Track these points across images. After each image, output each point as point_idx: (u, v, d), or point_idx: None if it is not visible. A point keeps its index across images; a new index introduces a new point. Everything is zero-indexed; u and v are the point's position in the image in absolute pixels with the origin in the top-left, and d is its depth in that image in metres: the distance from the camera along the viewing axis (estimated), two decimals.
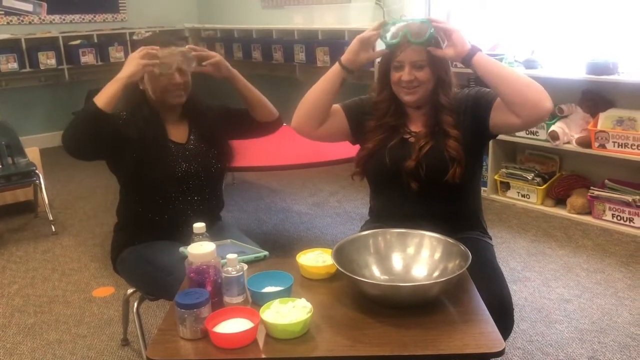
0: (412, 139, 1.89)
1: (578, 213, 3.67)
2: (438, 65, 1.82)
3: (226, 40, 6.02)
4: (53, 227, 3.72)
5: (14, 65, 5.47)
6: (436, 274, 1.57)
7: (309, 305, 1.41)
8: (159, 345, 1.38)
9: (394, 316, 1.43)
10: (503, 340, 1.35)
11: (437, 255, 1.61)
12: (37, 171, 3.74)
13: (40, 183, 3.76)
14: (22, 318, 2.71)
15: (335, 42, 4.91)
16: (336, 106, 1.99)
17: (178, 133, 2.11)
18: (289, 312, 1.40)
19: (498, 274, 1.80)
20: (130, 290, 2.24)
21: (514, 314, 1.79)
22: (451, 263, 1.56)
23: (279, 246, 3.38)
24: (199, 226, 1.61)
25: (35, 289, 2.99)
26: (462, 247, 1.55)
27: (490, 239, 2.00)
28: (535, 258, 3.15)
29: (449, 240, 1.61)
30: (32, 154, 3.94)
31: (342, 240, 1.63)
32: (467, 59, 1.76)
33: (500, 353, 1.31)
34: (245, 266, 1.63)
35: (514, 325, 2.43)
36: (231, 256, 1.54)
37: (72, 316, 2.71)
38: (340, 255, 1.56)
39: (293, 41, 5.30)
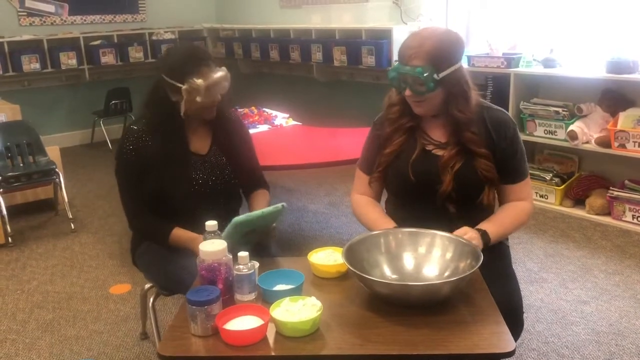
0: (436, 151, 1.82)
1: (597, 214, 3.62)
2: (446, 82, 1.72)
3: (244, 40, 6.05)
4: (72, 225, 3.78)
5: (36, 66, 5.57)
6: (447, 273, 1.56)
7: (318, 304, 1.42)
8: (170, 342, 1.40)
9: (404, 315, 1.43)
10: (514, 341, 1.34)
11: (449, 254, 1.60)
12: (57, 170, 3.81)
13: (60, 182, 3.82)
14: (41, 314, 2.76)
15: (352, 41, 4.91)
16: (369, 190, 1.97)
17: (200, 143, 2.08)
18: (299, 310, 1.40)
19: (510, 276, 1.78)
20: (147, 286, 2.27)
21: (529, 315, 1.77)
22: (462, 263, 1.55)
23: (294, 245, 3.39)
24: (211, 224, 1.62)
25: (54, 286, 3.04)
26: (474, 246, 1.54)
27: (507, 239, 1.98)
28: (552, 259, 3.11)
29: (460, 239, 1.60)
30: (53, 152, 4.00)
31: (353, 239, 1.63)
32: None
33: (511, 353, 1.30)
34: (257, 264, 1.64)
35: (530, 327, 2.43)
36: (242, 254, 1.55)
37: (90, 312, 2.75)
38: (350, 254, 1.56)
39: (310, 41, 5.31)
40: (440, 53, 1.70)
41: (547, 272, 2.97)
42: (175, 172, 1.99)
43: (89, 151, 6.00)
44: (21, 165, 3.83)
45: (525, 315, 1.84)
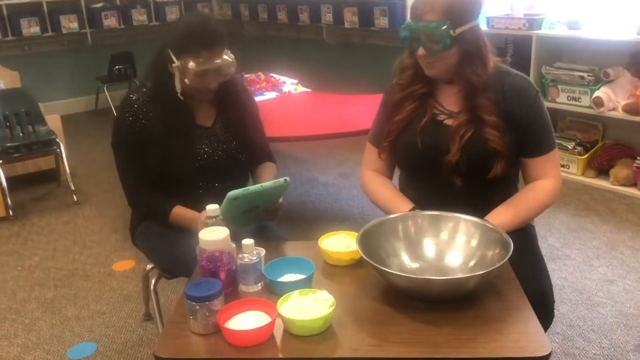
0: (447, 121, 1.66)
1: (622, 185, 3.44)
2: (462, 40, 1.57)
3: (251, 2, 5.82)
4: (75, 197, 3.67)
5: (35, 29, 5.39)
6: (472, 263, 1.41)
7: (330, 298, 1.28)
8: (168, 341, 1.27)
9: (425, 311, 1.29)
10: (549, 343, 1.20)
11: (475, 242, 1.45)
12: (57, 140, 3.67)
13: (61, 152, 3.68)
14: (41, 292, 2.66)
15: (364, 1, 4.67)
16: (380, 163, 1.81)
17: (205, 116, 1.91)
18: (308, 306, 1.27)
19: (539, 262, 1.64)
20: (149, 266, 2.15)
21: (554, 294, 1.63)
22: (490, 251, 1.40)
23: (303, 220, 3.25)
24: (212, 208, 1.48)
25: (55, 262, 2.94)
26: (504, 234, 1.39)
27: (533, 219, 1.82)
28: (575, 234, 2.96)
29: (487, 225, 1.45)
30: (53, 121, 3.86)
31: (368, 224, 1.48)
32: None
33: (546, 358, 1.16)
34: (263, 252, 1.51)
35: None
36: (247, 242, 1.41)
37: (92, 291, 2.65)
38: (365, 241, 1.41)
39: (320, 1, 5.08)
40: (457, 7, 1.55)
41: (570, 248, 2.82)
42: (178, 145, 1.84)
43: (92, 118, 5.85)
44: (20, 135, 3.70)
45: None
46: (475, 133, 1.61)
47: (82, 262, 2.92)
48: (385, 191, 1.78)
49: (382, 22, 4.51)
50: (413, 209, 1.64)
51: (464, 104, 1.64)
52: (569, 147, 3.64)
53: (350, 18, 4.77)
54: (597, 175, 3.61)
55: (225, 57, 1.78)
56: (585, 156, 3.61)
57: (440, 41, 1.54)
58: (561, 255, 2.75)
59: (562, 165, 3.69)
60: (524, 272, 1.47)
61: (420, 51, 1.58)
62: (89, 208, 3.58)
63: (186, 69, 1.73)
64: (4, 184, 3.48)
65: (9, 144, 3.56)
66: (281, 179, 1.65)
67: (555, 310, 2.03)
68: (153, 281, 2.08)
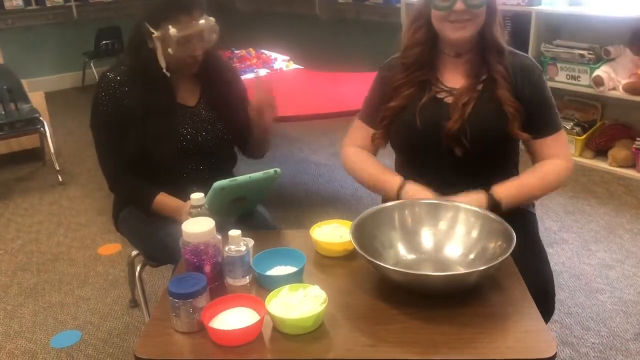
0: (448, 99, 1.58)
1: (620, 166, 3.38)
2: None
3: None
4: (60, 177, 3.57)
5: (19, 2, 5.22)
6: (472, 256, 1.34)
7: (322, 295, 1.20)
8: (150, 340, 1.19)
9: (423, 307, 1.22)
10: (555, 342, 1.13)
11: (475, 232, 1.37)
12: (40, 118, 3.55)
13: (45, 131, 3.57)
14: (24, 277, 2.58)
15: None
16: (370, 137, 1.71)
17: (188, 95, 1.81)
18: (299, 303, 1.19)
19: (541, 253, 1.57)
20: (134, 253, 2.08)
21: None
22: (492, 243, 1.33)
23: (296, 202, 3.16)
24: (197, 197, 1.39)
25: (39, 245, 2.85)
26: (506, 225, 1.31)
27: (533, 205, 1.75)
28: (573, 217, 2.90)
29: (489, 215, 1.37)
30: (37, 99, 3.74)
31: (363, 213, 1.39)
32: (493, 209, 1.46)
33: (551, 359, 1.09)
34: (251, 243, 1.43)
35: None
36: (234, 233, 1.32)
37: (76, 276, 2.57)
38: (360, 232, 1.33)
39: None
40: None
41: (568, 232, 2.76)
42: (159, 125, 1.73)
43: (79, 95, 5.70)
44: (2, 113, 3.56)
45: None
46: (481, 101, 1.54)
47: (66, 246, 2.83)
48: (371, 167, 1.69)
49: None
50: (403, 183, 1.57)
51: (472, 70, 1.57)
52: (567, 127, 3.56)
53: None
54: (595, 156, 3.54)
55: (205, 20, 1.68)
56: (584, 136, 3.54)
57: None
58: (558, 240, 2.69)
59: None
60: (525, 262, 1.40)
61: (459, 5, 1.48)
62: (74, 188, 3.48)
63: (167, 37, 1.63)
64: None
65: None
66: (271, 170, 1.56)
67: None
68: (138, 268, 2.00)
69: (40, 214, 3.18)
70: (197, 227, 1.27)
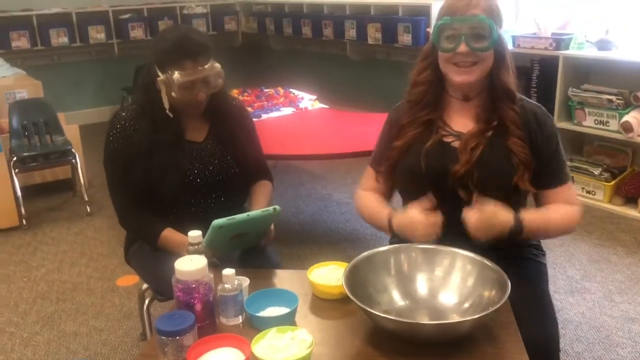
0: (455, 143, 1.55)
1: None
2: (500, 43, 1.52)
3: (276, 16, 5.79)
4: (88, 208, 3.66)
5: (64, 40, 5.46)
6: (467, 304, 1.31)
7: (309, 339, 1.20)
8: None
9: (414, 355, 1.20)
10: None
11: (471, 280, 1.35)
12: (73, 150, 3.68)
13: (76, 162, 3.69)
14: (43, 305, 2.64)
15: (388, 18, 4.60)
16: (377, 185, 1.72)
17: (196, 132, 1.85)
18: (285, 346, 1.19)
19: (548, 309, 1.50)
20: (145, 286, 2.10)
21: (567, 332, 1.54)
22: (487, 292, 1.30)
23: (313, 239, 3.16)
24: (194, 235, 1.42)
25: (61, 274, 2.92)
26: (502, 274, 1.28)
27: (544, 255, 1.70)
28: (597, 266, 2.80)
29: (486, 262, 1.34)
30: (71, 131, 3.88)
31: (358, 257, 1.39)
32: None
33: None
34: (246, 282, 1.44)
35: (567, 346, 2.16)
36: (228, 272, 1.34)
37: (93, 306, 2.61)
38: (353, 276, 1.33)
39: (344, 17, 5.02)
40: (495, 7, 1.52)
41: (591, 281, 2.67)
42: (165, 159, 1.76)
43: None
44: (38, 144, 3.71)
45: (562, 332, 1.57)
46: (490, 146, 1.52)
47: (87, 276, 2.89)
48: (369, 204, 1.69)
49: (405, 39, 4.42)
50: (390, 213, 1.56)
51: (482, 116, 1.55)
52: (596, 172, 3.48)
53: (374, 34, 4.69)
54: (625, 203, 3.43)
55: (210, 66, 1.72)
56: (613, 183, 3.45)
57: (489, 36, 1.46)
58: (580, 289, 2.60)
59: (588, 192, 3.52)
60: (529, 317, 1.37)
61: (463, 47, 1.47)
62: (100, 219, 3.57)
63: (171, 81, 1.67)
64: (19, 193, 3.49)
65: (25, 154, 3.58)
66: (270, 208, 1.57)
67: (569, 347, 1.89)
68: (147, 302, 2.03)
69: (65, 243, 3.27)
70: (189, 265, 1.29)
